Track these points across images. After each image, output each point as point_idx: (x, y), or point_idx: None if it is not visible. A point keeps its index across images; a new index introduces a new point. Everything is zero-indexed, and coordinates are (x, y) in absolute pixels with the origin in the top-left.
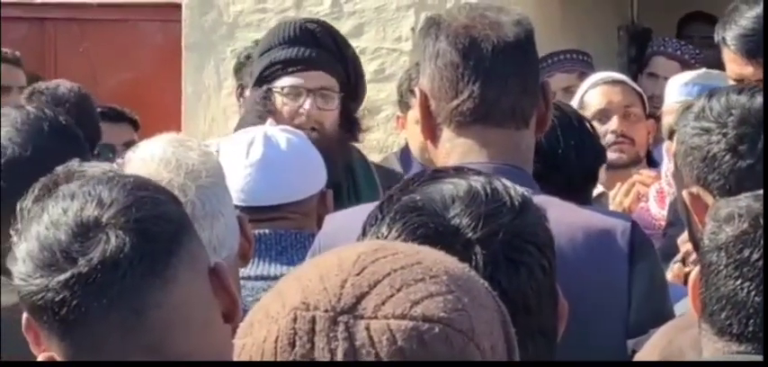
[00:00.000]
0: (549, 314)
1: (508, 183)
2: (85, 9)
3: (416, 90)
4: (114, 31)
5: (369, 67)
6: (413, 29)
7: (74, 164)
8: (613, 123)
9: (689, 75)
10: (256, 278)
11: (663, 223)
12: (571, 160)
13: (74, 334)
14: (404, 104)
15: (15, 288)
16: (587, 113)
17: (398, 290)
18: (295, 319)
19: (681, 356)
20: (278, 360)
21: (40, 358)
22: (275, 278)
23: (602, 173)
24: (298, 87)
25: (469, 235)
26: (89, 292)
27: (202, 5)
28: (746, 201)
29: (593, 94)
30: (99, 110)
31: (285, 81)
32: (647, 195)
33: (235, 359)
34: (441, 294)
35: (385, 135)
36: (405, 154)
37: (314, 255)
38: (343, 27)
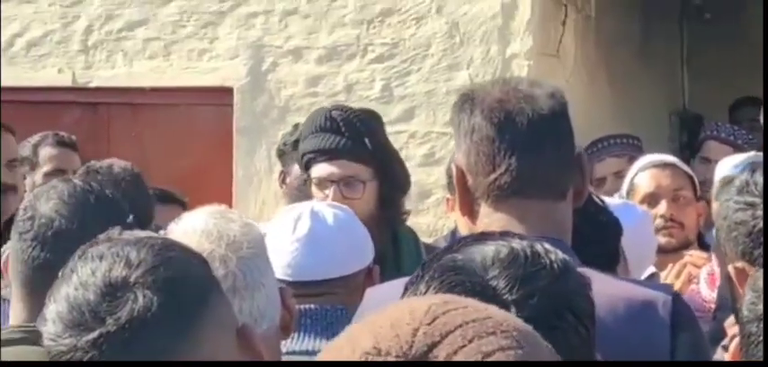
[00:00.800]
0: None
1: (550, 248)
2: (138, 94)
3: (453, 166)
4: (167, 115)
5: (418, 151)
6: None
7: (114, 231)
8: (662, 207)
9: (739, 157)
10: (300, 352)
11: (713, 306)
12: (586, 242)
13: None
14: (452, 186)
15: (45, 349)
16: (636, 197)
17: (470, 342)
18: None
19: None
20: None
21: None
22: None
23: (654, 256)
24: (323, 178)
25: (505, 296)
26: (117, 351)
27: (254, 89)
28: None
29: (642, 177)
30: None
31: (316, 170)
32: (698, 277)
33: None
34: (511, 348)
35: (435, 219)
36: (454, 237)
37: None
38: (393, 111)
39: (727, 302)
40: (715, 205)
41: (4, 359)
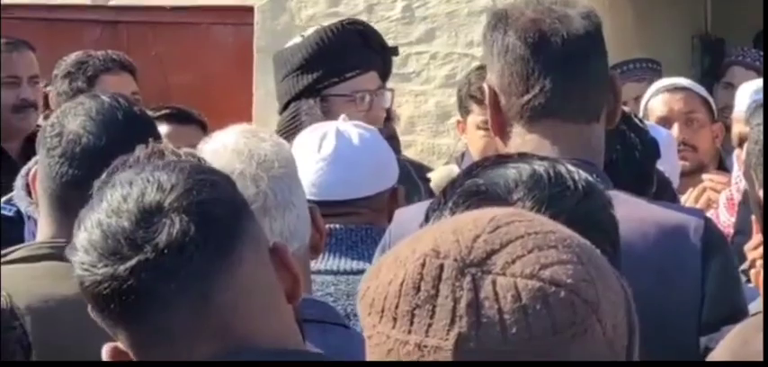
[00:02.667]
0: None
1: (572, 168)
2: (158, 12)
3: (485, 86)
4: (186, 34)
5: (440, 72)
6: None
7: (157, 145)
8: (675, 131)
9: (759, 82)
10: (326, 272)
11: (731, 231)
12: (618, 165)
13: (142, 321)
14: (464, 109)
15: (77, 279)
16: (649, 121)
17: (529, 252)
18: (423, 264)
19: (757, 358)
20: (400, 302)
21: (106, 348)
22: (345, 273)
23: (675, 179)
24: (364, 91)
25: None
26: (157, 278)
27: (274, 9)
28: None
29: (655, 102)
30: (167, 110)
31: (346, 87)
32: (717, 202)
33: (358, 302)
34: (571, 263)
35: (455, 141)
36: (465, 159)
37: (384, 250)
38: (415, 32)
39: (747, 226)
40: (735, 128)
41: (32, 274)
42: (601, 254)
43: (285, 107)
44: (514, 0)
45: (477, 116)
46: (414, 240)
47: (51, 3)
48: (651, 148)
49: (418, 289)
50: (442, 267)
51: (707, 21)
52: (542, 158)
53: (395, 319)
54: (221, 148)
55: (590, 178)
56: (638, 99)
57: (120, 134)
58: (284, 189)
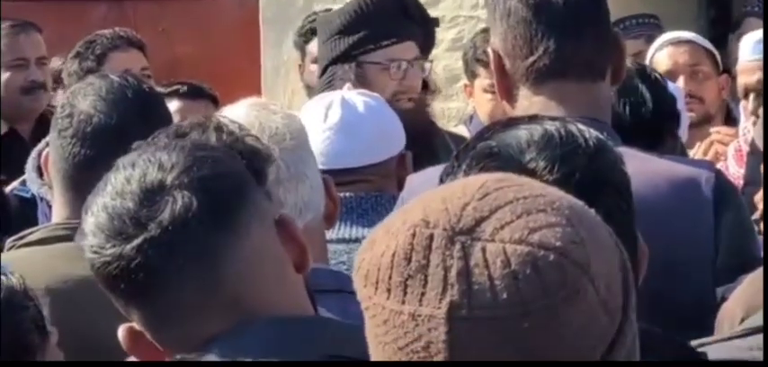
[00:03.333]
0: (628, 257)
1: (582, 127)
2: None
3: (489, 50)
4: (193, 7)
5: (446, 36)
6: None
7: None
8: (680, 83)
9: (761, 32)
10: (338, 241)
11: (741, 182)
12: (625, 119)
13: (152, 299)
14: (470, 73)
15: (88, 262)
16: None
17: (518, 218)
18: (414, 235)
19: None
20: (393, 273)
21: (122, 329)
22: (356, 240)
23: (684, 133)
24: (399, 59)
25: (546, 177)
26: (163, 254)
27: None
28: None
29: (659, 56)
30: (178, 86)
31: (382, 55)
32: (726, 154)
33: (354, 274)
34: (560, 226)
35: (464, 104)
36: (473, 122)
37: None
38: None
39: (757, 176)
40: (741, 79)
41: (50, 255)
42: (616, 210)
43: (323, 71)
44: None
45: (483, 79)
46: (404, 211)
47: None
48: (664, 105)
49: (410, 259)
50: (431, 236)
51: None
52: (553, 119)
53: (389, 290)
54: None
55: (600, 136)
56: (638, 55)
57: (131, 112)
58: (296, 161)
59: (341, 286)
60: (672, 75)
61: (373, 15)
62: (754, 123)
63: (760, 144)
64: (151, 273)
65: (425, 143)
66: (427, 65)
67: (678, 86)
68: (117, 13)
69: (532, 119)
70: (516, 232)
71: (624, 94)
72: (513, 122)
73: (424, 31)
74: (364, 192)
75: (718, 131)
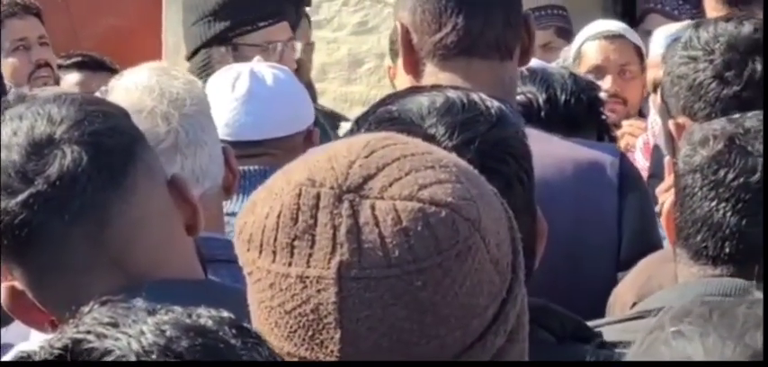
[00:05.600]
0: (527, 230)
1: (485, 96)
2: None
3: (397, 24)
4: None
5: (352, 20)
6: None
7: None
8: (608, 82)
9: (674, 27)
10: (236, 214)
11: (646, 175)
12: (541, 108)
13: (36, 254)
14: (395, 53)
15: None
16: (584, 66)
17: (407, 174)
18: (299, 194)
19: (660, 292)
20: (278, 235)
21: (3, 288)
22: None
23: None
24: (276, 41)
25: (445, 143)
26: (50, 209)
27: None
28: (720, 123)
29: (590, 47)
30: (79, 58)
31: (258, 36)
32: (634, 146)
33: (235, 239)
34: (450, 182)
35: (367, 88)
36: None
37: None
38: None
39: (660, 169)
40: (650, 74)
41: None
42: (515, 179)
43: (194, 53)
44: None
45: None
46: (287, 171)
47: None
48: (582, 93)
49: (296, 219)
50: (318, 195)
51: None
52: (456, 88)
53: (274, 253)
54: (132, 86)
55: (503, 107)
56: (546, 46)
57: None
58: (196, 127)
59: (231, 255)
60: (601, 70)
61: None
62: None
63: (661, 141)
64: (36, 230)
65: None
66: (298, 45)
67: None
68: None
69: (435, 87)
70: (406, 188)
71: (541, 83)
72: (415, 90)
73: (296, 10)
74: (269, 165)
75: (629, 123)
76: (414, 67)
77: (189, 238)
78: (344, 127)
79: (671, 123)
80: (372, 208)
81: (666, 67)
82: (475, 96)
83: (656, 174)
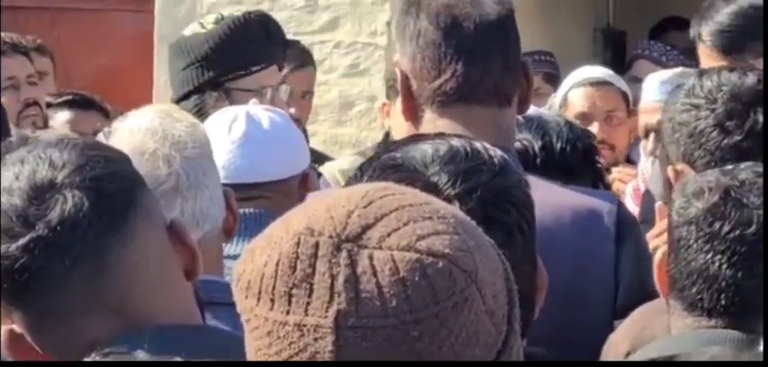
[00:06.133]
0: (527, 281)
1: (488, 145)
2: None
3: (397, 70)
4: (86, 20)
5: (343, 62)
6: (388, 23)
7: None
8: (594, 129)
9: (666, 73)
10: (234, 257)
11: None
12: (537, 155)
13: (36, 298)
14: (393, 91)
15: None
16: (570, 112)
17: (405, 225)
18: (298, 243)
19: (654, 341)
20: (277, 283)
21: (2, 331)
22: None
23: None
24: (268, 86)
25: (448, 191)
26: (50, 254)
27: None
28: (715, 175)
29: (576, 94)
30: (69, 97)
31: (252, 81)
32: (624, 192)
33: (234, 286)
34: (447, 233)
35: (358, 130)
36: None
37: None
38: (318, 20)
39: (650, 215)
40: (642, 119)
41: None
42: (516, 229)
43: (185, 97)
44: None
45: None
46: (286, 220)
47: None
48: (578, 141)
49: (294, 268)
50: (317, 244)
51: (609, 12)
52: (460, 136)
53: (272, 301)
54: (135, 128)
55: (506, 156)
56: (534, 92)
57: None
58: (197, 170)
59: (230, 298)
60: (587, 117)
61: (241, 41)
62: (653, 163)
63: (652, 187)
64: (37, 274)
65: None
66: (285, 87)
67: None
68: (8, 19)
69: (439, 135)
70: (404, 239)
71: (537, 130)
72: (419, 137)
73: (282, 52)
74: (265, 208)
75: (619, 170)
76: (413, 114)
77: (188, 283)
78: (327, 167)
79: (670, 170)
80: (370, 258)
81: (668, 114)
82: (478, 145)
83: (647, 220)
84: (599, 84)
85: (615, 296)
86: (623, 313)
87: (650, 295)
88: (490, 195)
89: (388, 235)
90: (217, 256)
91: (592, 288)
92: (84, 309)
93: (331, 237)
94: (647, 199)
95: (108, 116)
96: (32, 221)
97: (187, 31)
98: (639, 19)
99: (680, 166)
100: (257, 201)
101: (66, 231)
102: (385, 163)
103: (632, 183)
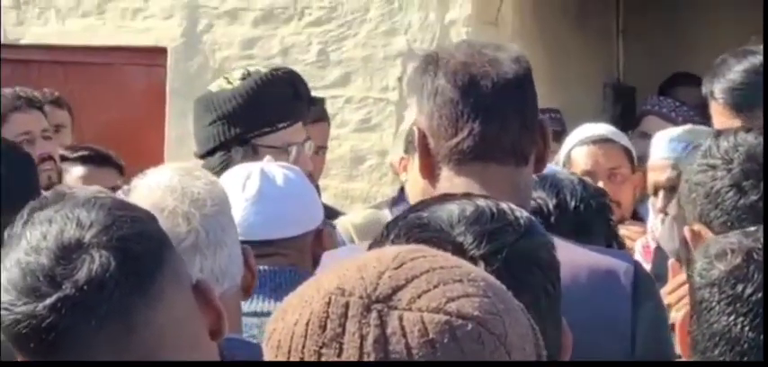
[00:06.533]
0: (552, 342)
1: (514, 206)
2: (70, 52)
3: (414, 128)
4: (99, 74)
5: (354, 117)
6: (399, 79)
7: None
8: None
9: (675, 131)
10: (250, 314)
11: None
12: (551, 212)
13: (63, 358)
14: (412, 146)
15: None
16: (573, 171)
17: (435, 287)
18: (329, 303)
19: None
20: (307, 342)
21: None
22: (269, 314)
23: None
24: (294, 143)
25: (473, 251)
26: (77, 314)
27: (188, 50)
28: (737, 236)
29: (579, 153)
30: (85, 152)
31: (278, 138)
32: (634, 250)
33: (264, 345)
34: (477, 296)
35: (369, 185)
36: (398, 203)
37: None
38: (330, 76)
39: (662, 272)
40: (651, 177)
41: None
42: (542, 291)
43: (211, 152)
44: (443, 44)
45: None
46: (318, 280)
47: None
48: (591, 199)
49: (324, 327)
50: (347, 304)
51: (619, 68)
52: (486, 197)
53: (302, 359)
54: (154, 185)
55: (532, 217)
56: None
57: None
58: (216, 228)
59: (253, 357)
60: (591, 175)
61: (269, 98)
62: (662, 221)
63: (664, 244)
64: (63, 333)
65: None
66: (310, 144)
67: None
68: (22, 74)
69: (466, 195)
70: (433, 301)
71: (551, 188)
72: (447, 198)
73: (307, 109)
74: (279, 265)
75: (626, 228)
76: (430, 171)
77: (213, 343)
78: (340, 221)
79: (686, 230)
80: (400, 319)
81: (684, 175)
82: (504, 206)
83: (660, 276)
84: (601, 141)
85: (631, 357)
86: None
87: (666, 359)
88: (515, 256)
89: (418, 296)
90: (235, 314)
91: (607, 348)
92: None
93: (361, 297)
94: (659, 255)
95: (123, 172)
96: (59, 281)
97: (213, 87)
98: (649, 75)
99: (696, 227)
100: (272, 257)
101: (92, 291)
102: (411, 222)
103: (641, 241)
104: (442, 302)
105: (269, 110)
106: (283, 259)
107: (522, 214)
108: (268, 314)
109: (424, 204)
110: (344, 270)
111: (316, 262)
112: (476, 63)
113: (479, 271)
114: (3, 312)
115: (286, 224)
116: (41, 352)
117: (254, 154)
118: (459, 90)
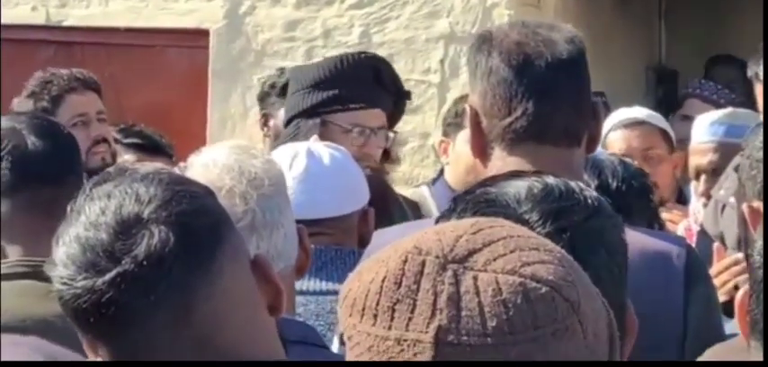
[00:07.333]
0: (617, 325)
1: (583, 186)
2: (113, 33)
3: (467, 107)
4: (141, 56)
5: None
6: (442, 61)
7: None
8: None
9: (716, 114)
10: (302, 293)
11: None
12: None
13: (122, 334)
14: (454, 126)
15: (56, 293)
16: None
17: (511, 252)
18: (405, 261)
19: None
20: (381, 298)
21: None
22: (313, 293)
23: None
24: (363, 126)
25: (539, 229)
26: (137, 290)
27: (230, 32)
28: None
29: (614, 137)
30: (137, 139)
31: (348, 117)
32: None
33: (339, 306)
34: (553, 264)
35: (411, 167)
36: (437, 186)
37: None
38: None
39: (706, 256)
40: (693, 160)
41: (7, 293)
42: (606, 272)
43: (289, 122)
44: (498, 24)
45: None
46: (397, 243)
47: (4, 22)
48: (633, 180)
49: (399, 284)
50: (423, 263)
51: (661, 52)
52: (557, 175)
53: (375, 316)
54: (211, 164)
55: (600, 197)
56: None
57: None
58: (273, 208)
59: (305, 337)
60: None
61: (346, 77)
62: (705, 205)
63: (708, 227)
64: (123, 309)
65: (382, 208)
66: (391, 135)
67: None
68: (64, 55)
69: (536, 173)
70: (509, 264)
71: (592, 169)
72: (516, 174)
73: (395, 101)
74: (324, 244)
75: (668, 210)
76: (482, 150)
77: (271, 320)
78: None
79: (745, 207)
80: (475, 279)
81: (746, 151)
82: (573, 185)
83: (704, 260)
84: (635, 124)
85: (683, 340)
86: (692, 356)
87: (718, 340)
88: (581, 236)
89: (494, 259)
90: (289, 294)
91: (660, 331)
92: (169, 345)
93: (438, 257)
94: (701, 239)
95: (173, 160)
96: (119, 256)
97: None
98: (691, 58)
99: (756, 204)
100: (317, 237)
101: (151, 267)
102: (479, 197)
103: (683, 224)
104: (517, 265)
105: (343, 89)
106: (328, 238)
107: (591, 194)
108: (312, 293)
109: (493, 179)
110: (423, 234)
111: (363, 243)
112: (530, 43)
113: (556, 246)
114: (62, 286)
115: (331, 203)
116: (101, 326)
117: (323, 127)
118: (514, 70)
